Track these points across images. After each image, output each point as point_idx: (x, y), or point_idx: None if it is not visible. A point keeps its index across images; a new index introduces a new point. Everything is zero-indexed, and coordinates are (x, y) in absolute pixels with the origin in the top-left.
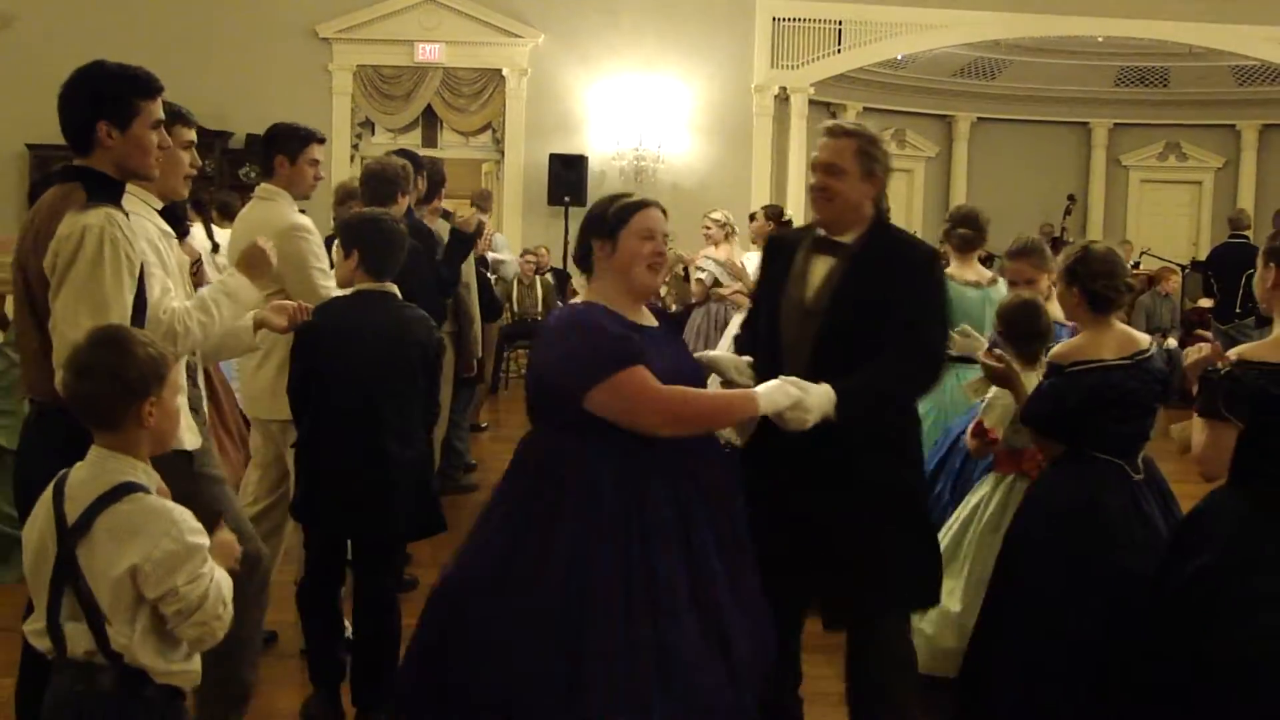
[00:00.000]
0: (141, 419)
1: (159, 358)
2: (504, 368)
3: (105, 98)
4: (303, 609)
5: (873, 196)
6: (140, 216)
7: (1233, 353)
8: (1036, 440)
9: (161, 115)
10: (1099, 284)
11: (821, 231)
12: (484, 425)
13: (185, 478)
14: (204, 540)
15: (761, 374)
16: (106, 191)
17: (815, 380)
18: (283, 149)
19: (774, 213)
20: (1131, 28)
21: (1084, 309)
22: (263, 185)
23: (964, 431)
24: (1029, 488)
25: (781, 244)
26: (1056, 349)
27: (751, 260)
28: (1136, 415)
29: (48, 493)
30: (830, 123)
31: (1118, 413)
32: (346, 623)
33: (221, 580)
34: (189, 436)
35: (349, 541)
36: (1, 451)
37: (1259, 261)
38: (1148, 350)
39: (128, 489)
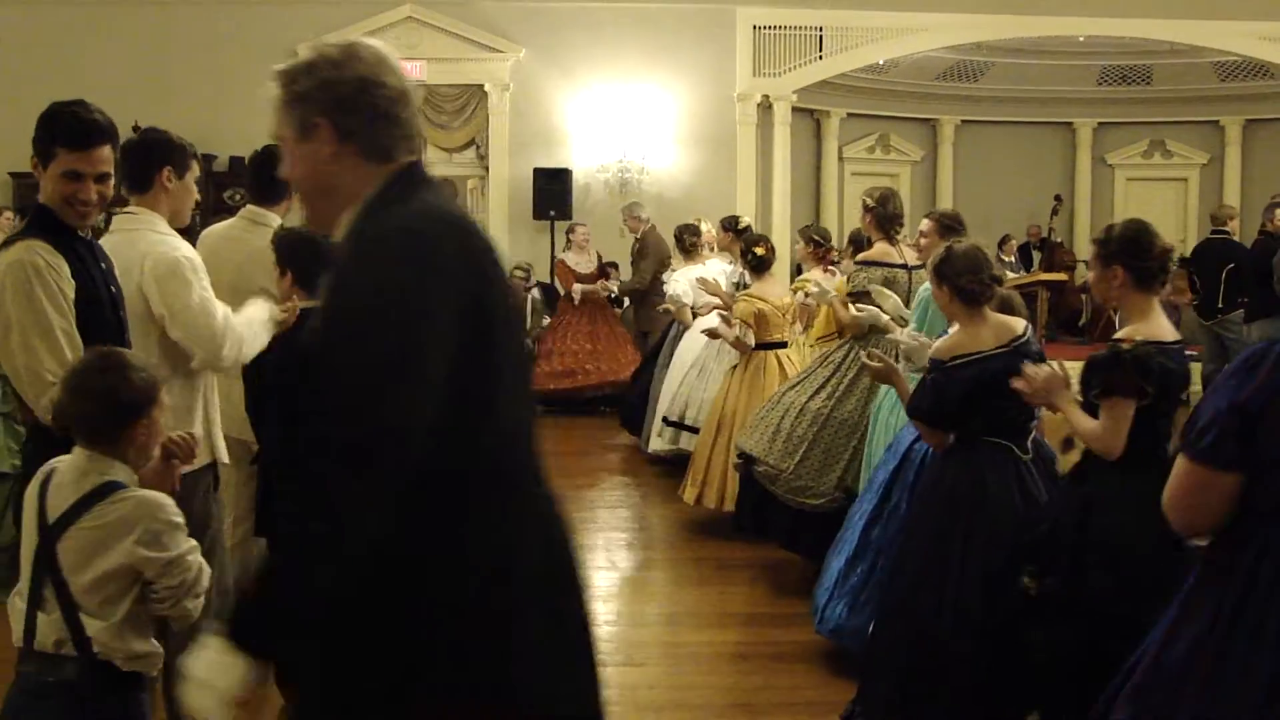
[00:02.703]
0: (134, 438)
1: (152, 381)
2: None
3: (38, 138)
4: None
5: (352, 161)
6: (167, 236)
7: (1123, 333)
8: (922, 432)
9: (76, 167)
10: (964, 280)
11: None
12: None
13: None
14: (182, 522)
15: None
16: (41, 224)
17: None
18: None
19: (729, 223)
20: (1113, 26)
21: (956, 304)
22: (254, 209)
23: (917, 440)
24: (921, 475)
25: None
26: (937, 345)
27: (711, 269)
28: (1019, 398)
29: (34, 486)
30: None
31: (1000, 398)
32: None
33: (205, 566)
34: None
35: None
36: None
37: (1094, 263)
38: (1024, 335)
39: (114, 487)
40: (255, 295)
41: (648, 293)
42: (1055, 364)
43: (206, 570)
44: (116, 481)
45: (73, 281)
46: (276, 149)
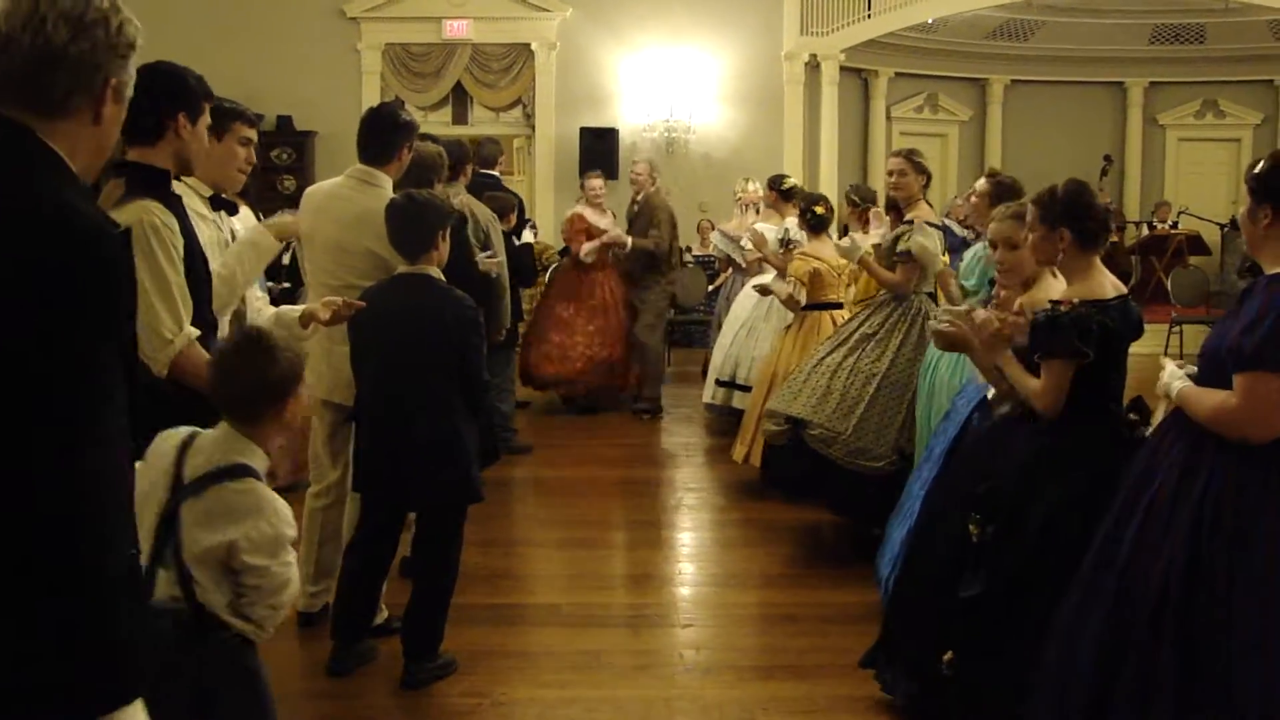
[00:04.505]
0: (282, 416)
1: (297, 359)
2: None
3: (184, 93)
4: (344, 566)
5: None
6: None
7: (1062, 295)
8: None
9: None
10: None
11: None
12: (525, 402)
13: None
14: (294, 534)
15: None
16: (148, 183)
17: None
18: (408, 137)
19: (774, 182)
20: None
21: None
22: (364, 168)
23: (975, 410)
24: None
25: None
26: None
27: (770, 230)
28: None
29: (172, 443)
30: None
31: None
32: (384, 607)
33: (295, 579)
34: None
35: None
36: None
37: (1036, 225)
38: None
39: (244, 470)
40: (361, 255)
41: (657, 260)
42: (1008, 318)
43: (294, 585)
44: (248, 466)
45: (182, 238)
46: (390, 108)
